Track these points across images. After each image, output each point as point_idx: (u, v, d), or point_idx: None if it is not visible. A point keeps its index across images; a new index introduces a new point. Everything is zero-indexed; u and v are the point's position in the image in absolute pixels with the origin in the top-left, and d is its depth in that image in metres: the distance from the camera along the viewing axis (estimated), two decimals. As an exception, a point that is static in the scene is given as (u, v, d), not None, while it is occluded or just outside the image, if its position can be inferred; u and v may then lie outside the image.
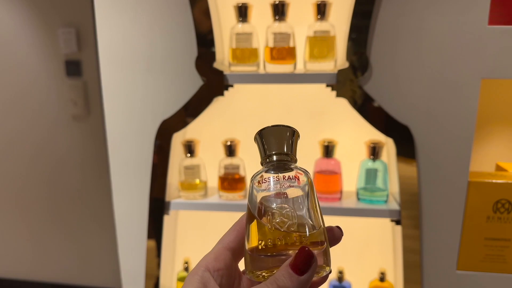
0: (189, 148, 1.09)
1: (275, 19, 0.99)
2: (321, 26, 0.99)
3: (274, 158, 0.39)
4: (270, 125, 0.40)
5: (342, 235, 0.40)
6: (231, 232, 0.41)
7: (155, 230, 1.12)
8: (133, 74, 1.04)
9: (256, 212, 0.38)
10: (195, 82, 1.02)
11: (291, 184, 0.38)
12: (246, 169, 1.11)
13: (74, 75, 1.97)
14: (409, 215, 1.00)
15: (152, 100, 1.05)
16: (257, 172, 0.40)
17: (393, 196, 1.08)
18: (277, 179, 0.38)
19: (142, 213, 1.11)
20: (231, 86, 1.02)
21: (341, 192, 1.07)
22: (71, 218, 2.15)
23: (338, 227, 0.40)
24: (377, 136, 1.05)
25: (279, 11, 0.98)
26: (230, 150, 1.08)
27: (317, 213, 0.38)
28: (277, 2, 0.97)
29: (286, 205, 0.37)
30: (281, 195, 0.38)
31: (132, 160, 1.09)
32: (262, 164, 0.40)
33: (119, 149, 1.09)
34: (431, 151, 0.97)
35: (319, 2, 0.97)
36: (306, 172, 0.39)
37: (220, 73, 1.00)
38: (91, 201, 2.11)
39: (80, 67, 1.95)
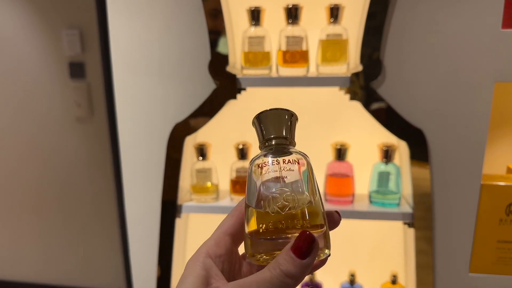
0: (201, 152, 1.09)
1: (288, 23, 0.99)
2: (334, 29, 0.99)
3: (273, 142, 0.39)
4: (268, 108, 0.40)
5: (341, 219, 0.39)
6: (230, 217, 0.40)
7: (166, 233, 1.12)
8: (146, 78, 1.04)
9: (256, 195, 0.38)
10: (207, 86, 1.02)
11: (291, 168, 0.37)
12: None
13: (77, 77, 1.96)
14: (421, 216, 1.01)
15: (165, 104, 1.05)
16: (256, 156, 0.39)
17: (405, 199, 1.08)
18: (277, 162, 0.38)
19: (154, 216, 1.11)
20: (244, 89, 1.02)
21: (353, 195, 1.07)
22: (75, 219, 2.15)
23: (337, 211, 0.40)
24: (390, 139, 1.05)
25: (292, 15, 0.98)
26: (242, 154, 1.08)
27: (316, 196, 0.38)
28: (290, 6, 0.97)
29: (286, 189, 0.37)
30: (280, 178, 0.37)
31: (144, 163, 1.09)
32: (260, 148, 0.40)
33: (131, 153, 1.09)
34: (444, 154, 0.97)
35: (332, 6, 0.97)
36: (305, 156, 0.39)
37: (233, 77, 1.00)
38: (95, 203, 2.10)
39: (83, 69, 1.94)
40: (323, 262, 0.39)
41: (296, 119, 0.40)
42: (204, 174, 1.10)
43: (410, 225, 1.04)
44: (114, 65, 1.04)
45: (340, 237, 1.23)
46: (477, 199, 0.98)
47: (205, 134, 1.15)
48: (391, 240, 1.21)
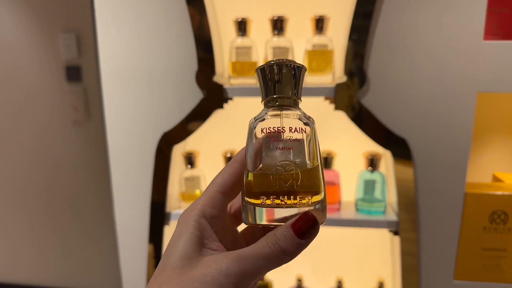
0: (190, 160, 1.11)
1: (274, 34, 1.00)
2: (319, 40, 1.00)
3: (278, 102, 0.36)
4: (274, 59, 0.36)
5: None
6: (226, 174, 0.38)
7: (155, 240, 1.13)
8: (135, 87, 1.06)
9: (258, 163, 0.36)
10: (195, 95, 1.03)
11: (296, 135, 0.35)
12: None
13: (74, 80, 1.97)
14: (406, 224, 1.02)
15: (153, 112, 1.06)
16: (258, 116, 0.36)
17: (391, 206, 1.10)
18: (282, 129, 0.35)
19: (143, 223, 1.12)
20: (231, 99, 1.03)
21: (339, 202, 1.08)
22: (71, 222, 2.16)
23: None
24: (375, 147, 1.06)
25: (278, 26, 0.99)
26: (230, 162, 1.09)
27: (317, 162, 0.36)
28: (275, 18, 0.98)
29: (290, 162, 0.35)
30: (285, 147, 0.35)
31: (133, 171, 1.11)
32: (263, 103, 0.37)
33: (121, 160, 1.11)
34: (428, 163, 0.98)
35: (317, 17, 0.98)
36: (309, 119, 0.37)
37: (219, 87, 1.01)
38: (91, 205, 2.12)
39: (80, 73, 1.96)
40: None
41: (305, 71, 0.37)
42: (193, 182, 1.11)
43: (395, 233, 1.05)
44: (102, 74, 1.06)
45: (327, 244, 1.25)
46: (461, 208, 0.99)
47: (193, 142, 1.17)
48: (377, 247, 1.22)
